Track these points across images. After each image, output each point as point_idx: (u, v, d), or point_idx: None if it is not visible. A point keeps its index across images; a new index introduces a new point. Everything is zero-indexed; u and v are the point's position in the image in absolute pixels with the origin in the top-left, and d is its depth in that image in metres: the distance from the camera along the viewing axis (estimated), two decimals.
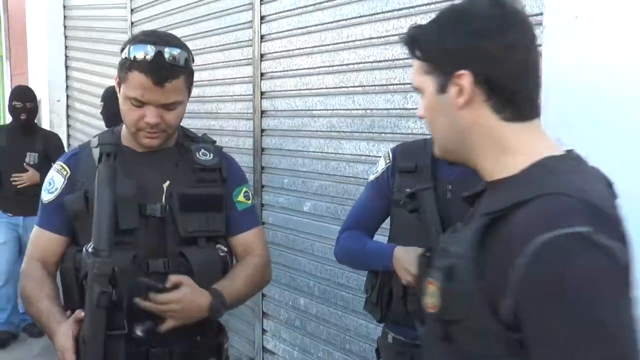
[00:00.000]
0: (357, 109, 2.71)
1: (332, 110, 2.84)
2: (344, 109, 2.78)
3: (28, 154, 4.24)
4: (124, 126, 1.64)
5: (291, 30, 3.05)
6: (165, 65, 1.47)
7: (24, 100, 4.32)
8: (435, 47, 1.01)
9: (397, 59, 2.50)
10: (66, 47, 6.25)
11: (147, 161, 1.60)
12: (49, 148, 4.30)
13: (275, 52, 3.18)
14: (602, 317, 0.81)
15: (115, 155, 1.45)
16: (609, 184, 0.99)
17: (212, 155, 1.66)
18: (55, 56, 6.24)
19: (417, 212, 1.61)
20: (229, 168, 1.69)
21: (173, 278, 1.48)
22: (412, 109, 2.44)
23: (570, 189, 0.88)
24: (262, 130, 3.31)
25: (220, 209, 1.62)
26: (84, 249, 1.41)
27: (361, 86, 2.68)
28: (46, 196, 1.63)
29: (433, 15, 2.50)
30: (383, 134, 2.58)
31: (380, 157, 1.84)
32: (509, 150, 0.98)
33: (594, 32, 1.74)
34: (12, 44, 7.75)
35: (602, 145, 1.61)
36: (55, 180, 1.62)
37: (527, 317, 0.84)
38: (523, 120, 0.98)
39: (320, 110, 2.91)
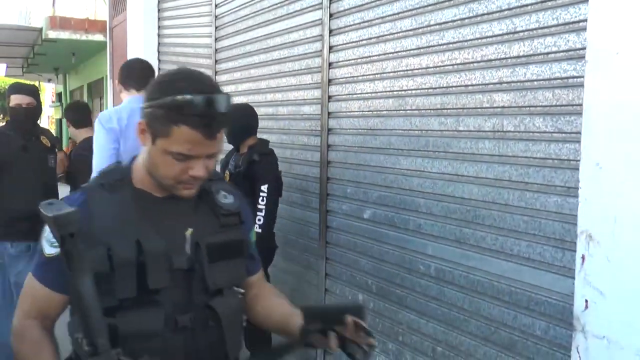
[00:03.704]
0: (413, 130, 2.75)
1: (392, 129, 2.89)
2: (401, 129, 2.82)
3: None
4: (135, 165, 1.33)
5: (356, 59, 3.12)
6: (217, 117, 1.18)
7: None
8: None
9: (450, 86, 2.53)
10: (159, 69, 6.51)
11: (165, 206, 1.29)
12: None
13: (342, 78, 3.25)
14: None
15: None
16: None
17: (232, 197, 1.38)
18: None
19: None
20: (245, 209, 1.42)
21: None
22: (464, 130, 2.47)
23: None
24: (329, 146, 3.38)
25: (243, 254, 1.37)
26: (77, 339, 1.15)
27: (418, 109, 2.72)
28: (49, 249, 1.25)
29: (483, 49, 2.53)
30: (437, 152, 2.62)
31: None
32: None
33: (634, 68, 1.74)
34: (115, 66, 8.15)
35: None
36: None
37: None
38: None
39: (380, 129, 2.97)
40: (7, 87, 3.52)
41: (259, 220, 3.15)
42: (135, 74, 3.04)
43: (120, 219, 1.24)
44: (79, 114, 3.98)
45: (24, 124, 3.30)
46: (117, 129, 2.78)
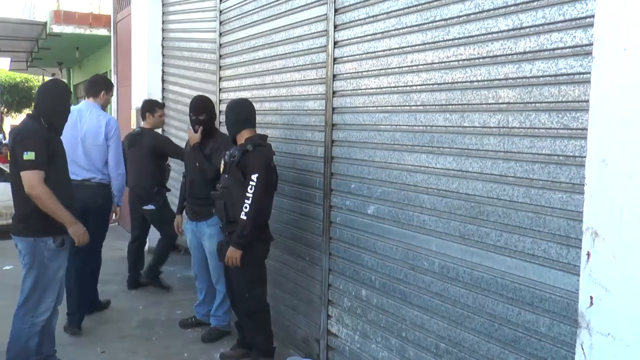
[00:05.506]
0: (418, 125, 2.74)
1: (396, 125, 2.88)
2: (406, 125, 2.82)
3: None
4: None
5: (361, 54, 3.11)
6: None
7: (196, 113, 3.97)
8: None
9: (456, 82, 2.52)
10: (163, 64, 6.52)
11: None
12: (212, 152, 3.96)
13: (347, 73, 3.25)
14: None
15: None
16: None
17: None
18: (153, 71, 6.52)
19: None
20: None
21: None
22: (469, 126, 2.46)
23: None
24: (333, 141, 3.38)
25: None
26: None
27: (422, 105, 2.71)
28: None
29: (489, 45, 2.51)
30: (441, 148, 2.61)
31: None
32: None
33: None
34: (119, 61, 8.15)
35: None
36: None
37: None
38: None
39: (385, 125, 2.96)
40: (40, 86, 3.63)
41: (245, 207, 3.27)
42: (96, 86, 4.36)
43: None
44: None
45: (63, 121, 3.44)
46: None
